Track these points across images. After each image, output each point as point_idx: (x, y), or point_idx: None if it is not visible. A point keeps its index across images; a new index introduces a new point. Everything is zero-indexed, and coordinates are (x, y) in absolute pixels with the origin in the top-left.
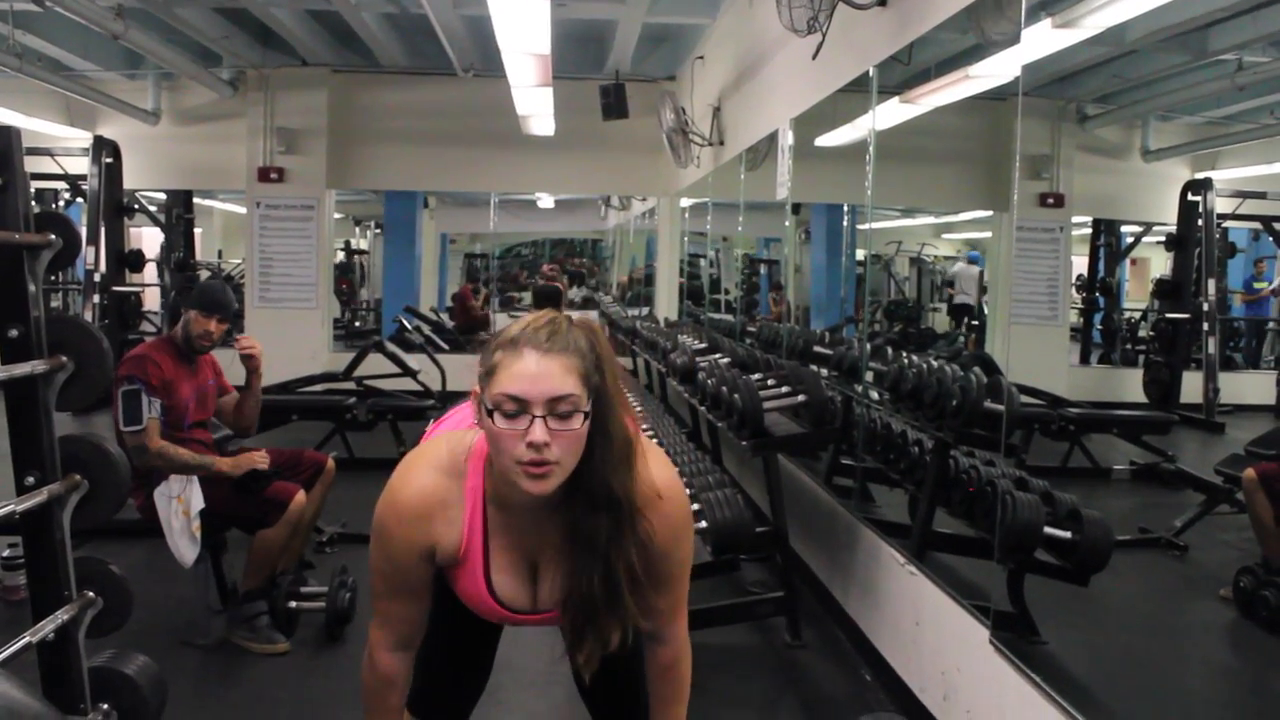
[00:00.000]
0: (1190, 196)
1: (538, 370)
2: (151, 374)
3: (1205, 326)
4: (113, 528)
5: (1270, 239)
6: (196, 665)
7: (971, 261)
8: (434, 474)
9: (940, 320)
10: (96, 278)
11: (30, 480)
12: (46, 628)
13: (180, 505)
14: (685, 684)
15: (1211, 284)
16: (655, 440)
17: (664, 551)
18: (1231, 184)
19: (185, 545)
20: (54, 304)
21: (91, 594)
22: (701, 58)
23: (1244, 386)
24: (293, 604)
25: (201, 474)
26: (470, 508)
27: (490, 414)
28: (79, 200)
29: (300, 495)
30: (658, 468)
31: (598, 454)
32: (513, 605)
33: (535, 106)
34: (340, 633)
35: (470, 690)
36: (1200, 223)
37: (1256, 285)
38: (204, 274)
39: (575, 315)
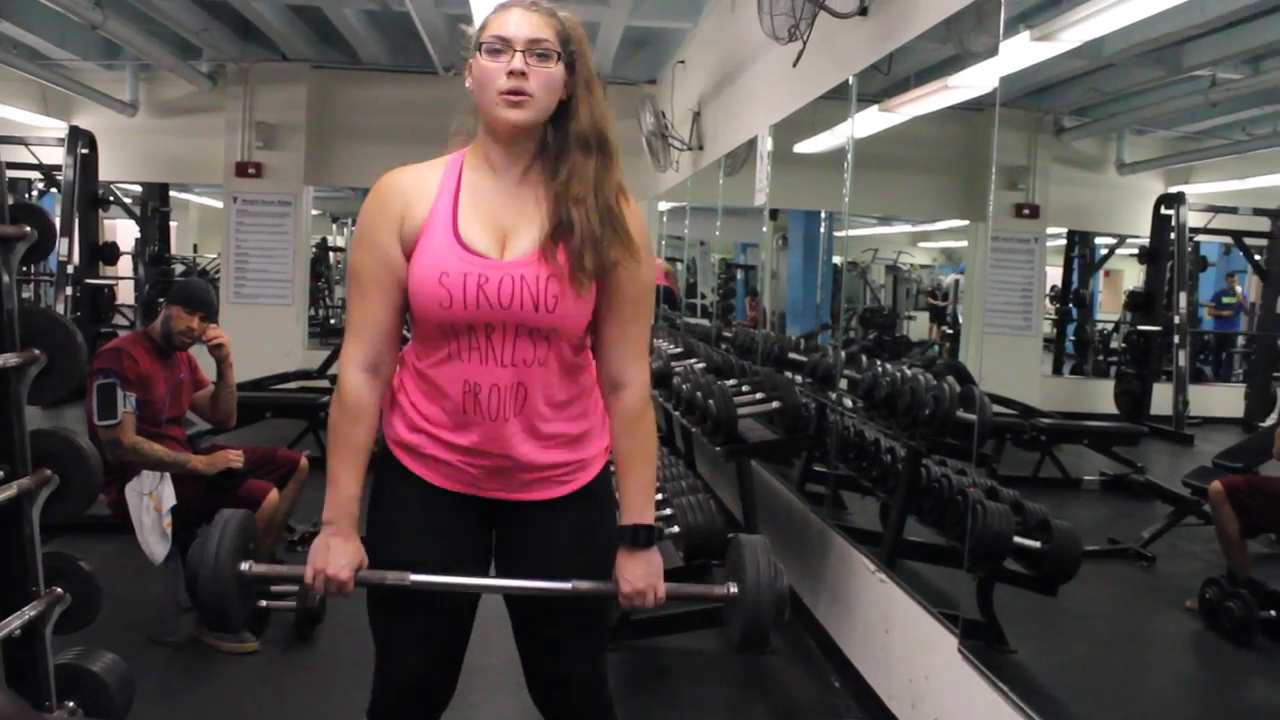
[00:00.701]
0: (1163, 210)
1: (521, 19)
2: (127, 368)
3: (1176, 339)
4: (83, 523)
5: (1240, 253)
6: (165, 663)
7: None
8: (421, 165)
9: (915, 328)
10: (70, 270)
11: None
12: (13, 624)
13: (152, 502)
14: (653, 441)
15: (1183, 297)
16: None
17: (638, 233)
18: (1204, 198)
19: (156, 542)
20: (25, 295)
21: (60, 590)
22: (683, 62)
23: (1213, 399)
24: (262, 603)
25: (176, 471)
26: (448, 172)
27: (479, 53)
28: (53, 191)
29: (273, 494)
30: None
31: (585, 106)
32: (479, 249)
33: None
34: (310, 632)
35: (438, 698)
36: (1173, 236)
37: (1226, 300)
38: (179, 268)
39: None
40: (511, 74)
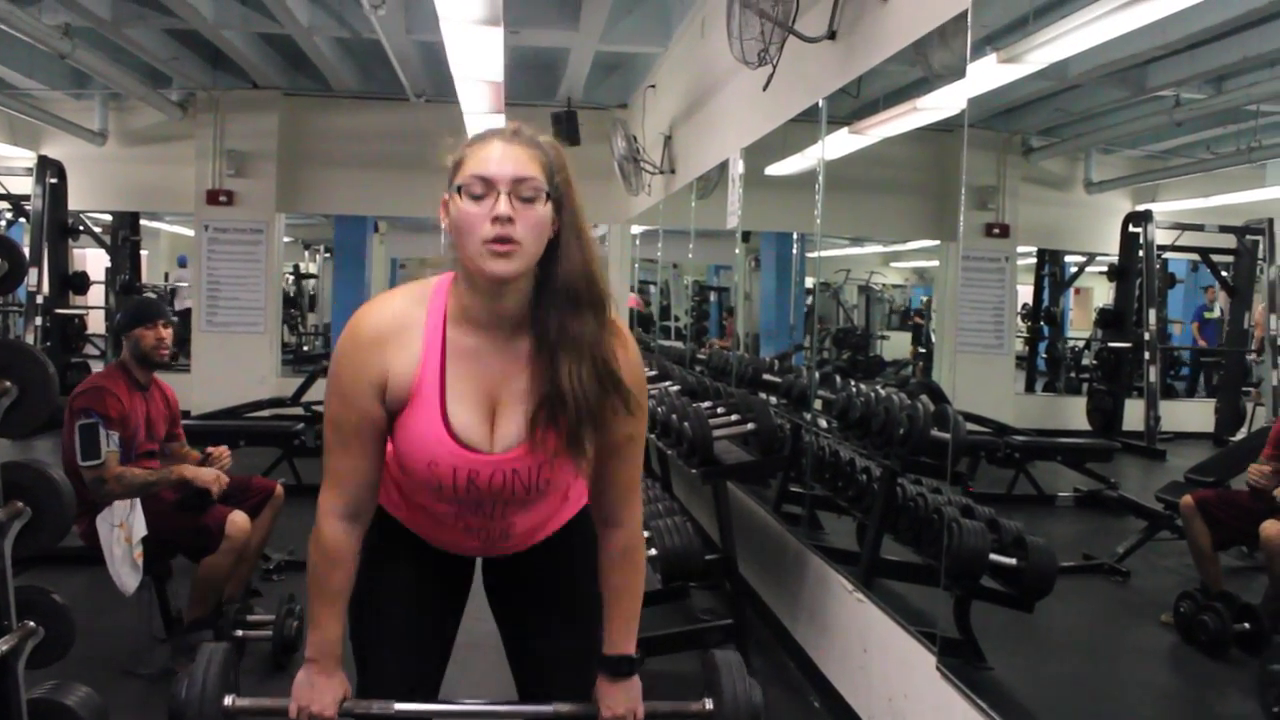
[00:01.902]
0: (1131, 228)
1: (503, 154)
2: (110, 406)
3: (1146, 355)
4: (55, 555)
5: (1208, 270)
6: (140, 696)
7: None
8: (397, 301)
9: (889, 347)
10: (39, 300)
11: None
12: None
13: (122, 532)
14: (641, 574)
15: (1153, 313)
16: None
17: (634, 386)
18: (1171, 216)
19: (126, 573)
20: None
21: (32, 624)
22: (653, 86)
23: (1184, 414)
24: (239, 633)
25: (160, 489)
26: (430, 329)
27: (458, 195)
28: (22, 221)
29: (236, 516)
30: (619, 319)
31: (574, 250)
32: (469, 441)
33: None
34: (287, 661)
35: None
36: (1141, 253)
37: (1208, 315)
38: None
39: None
40: (497, 220)
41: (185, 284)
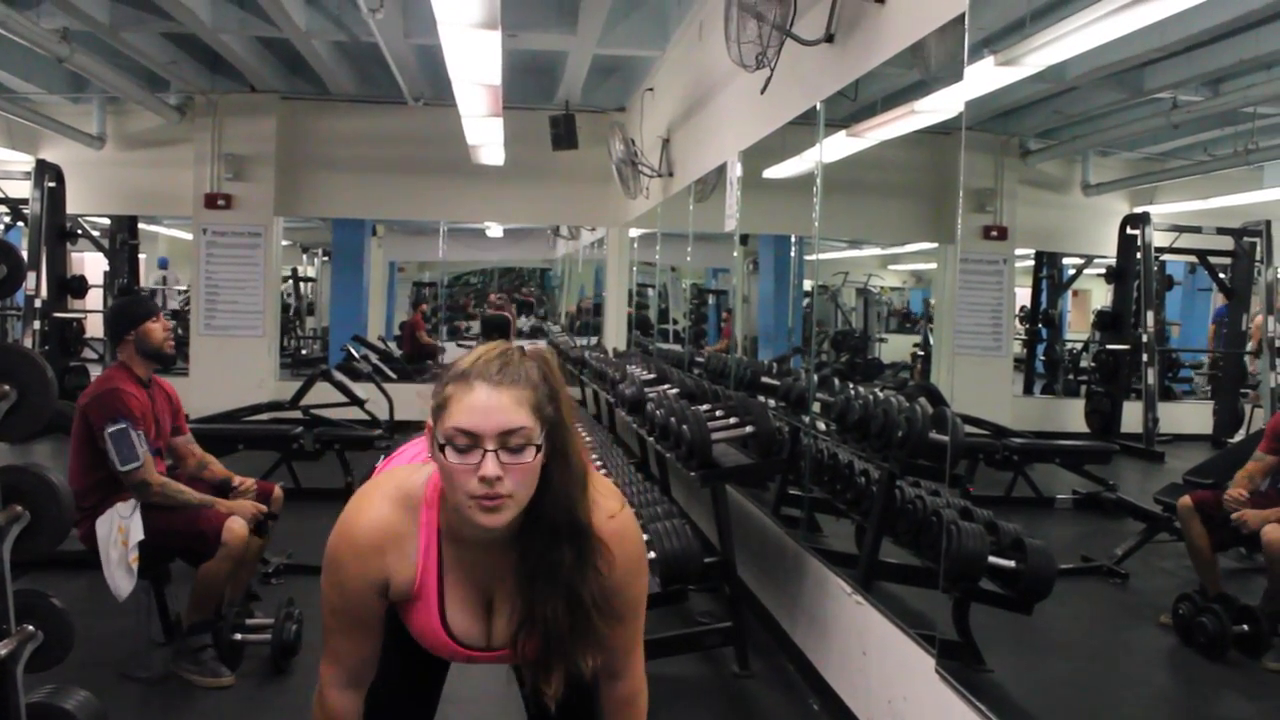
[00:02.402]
0: (1129, 230)
1: (489, 403)
2: (134, 407)
3: (1145, 357)
4: (54, 558)
5: (1206, 272)
6: (139, 699)
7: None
8: (388, 506)
9: (888, 350)
10: (37, 304)
11: None
12: None
13: (120, 536)
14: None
15: (1150, 315)
16: (604, 471)
17: (622, 584)
18: (1168, 218)
19: (121, 577)
20: None
21: (31, 628)
22: (651, 90)
23: (1182, 416)
24: (238, 636)
25: (200, 512)
26: (425, 542)
27: (443, 449)
28: (20, 225)
29: (234, 522)
30: (610, 501)
31: (557, 483)
32: (467, 642)
33: (485, 136)
34: (286, 665)
35: None
36: (1139, 256)
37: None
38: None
39: (528, 346)
40: (484, 479)
41: (179, 286)
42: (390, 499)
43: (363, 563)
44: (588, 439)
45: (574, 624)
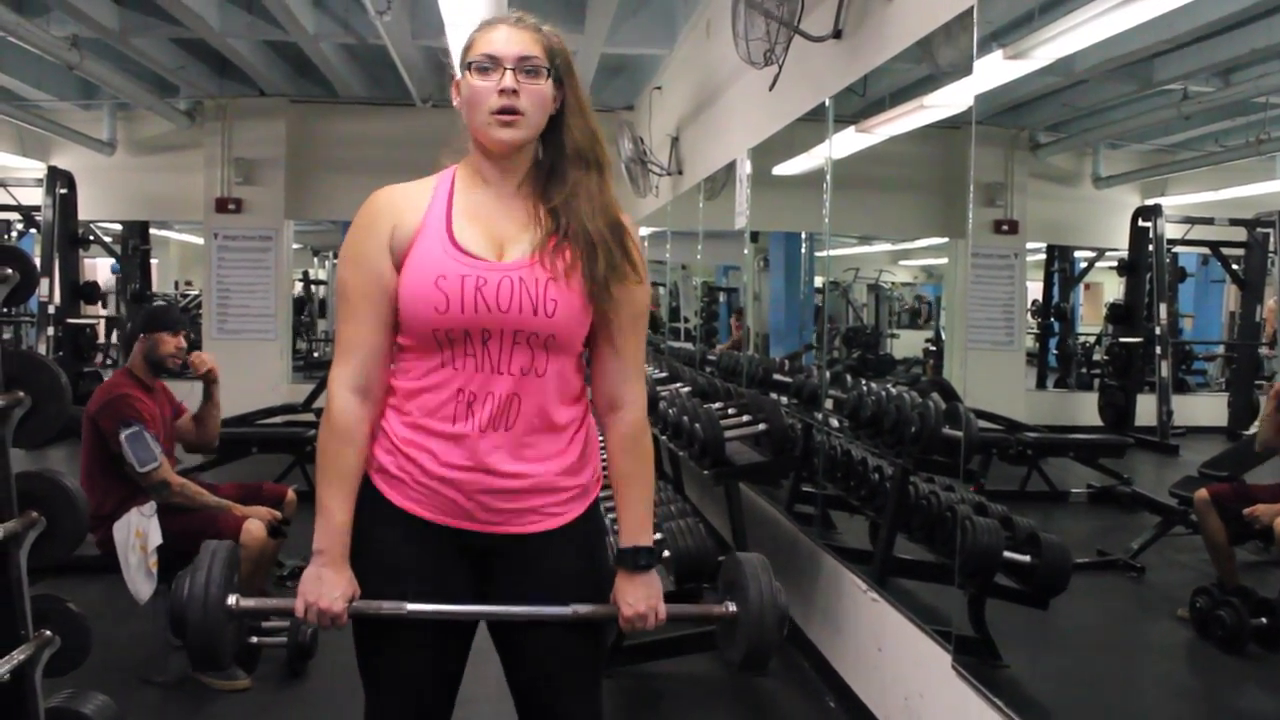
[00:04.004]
0: (1141, 223)
1: (509, 36)
2: (143, 410)
3: (1158, 350)
4: (70, 563)
5: (1219, 264)
6: (156, 703)
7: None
8: (410, 183)
9: (899, 345)
10: (50, 310)
11: None
12: (2, 668)
13: (138, 540)
14: (650, 462)
15: (1163, 308)
16: None
17: (639, 273)
18: (1180, 210)
19: (141, 581)
20: (6, 336)
21: (49, 633)
22: (660, 88)
23: (1197, 408)
24: (254, 639)
25: (212, 512)
26: (438, 185)
27: (468, 72)
28: (32, 231)
29: (251, 524)
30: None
31: (577, 120)
32: (476, 252)
33: None
34: (302, 668)
35: None
36: (1151, 248)
37: None
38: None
39: None
40: (503, 92)
41: (193, 291)
42: (416, 181)
43: (372, 219)
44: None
45: (614, 236)
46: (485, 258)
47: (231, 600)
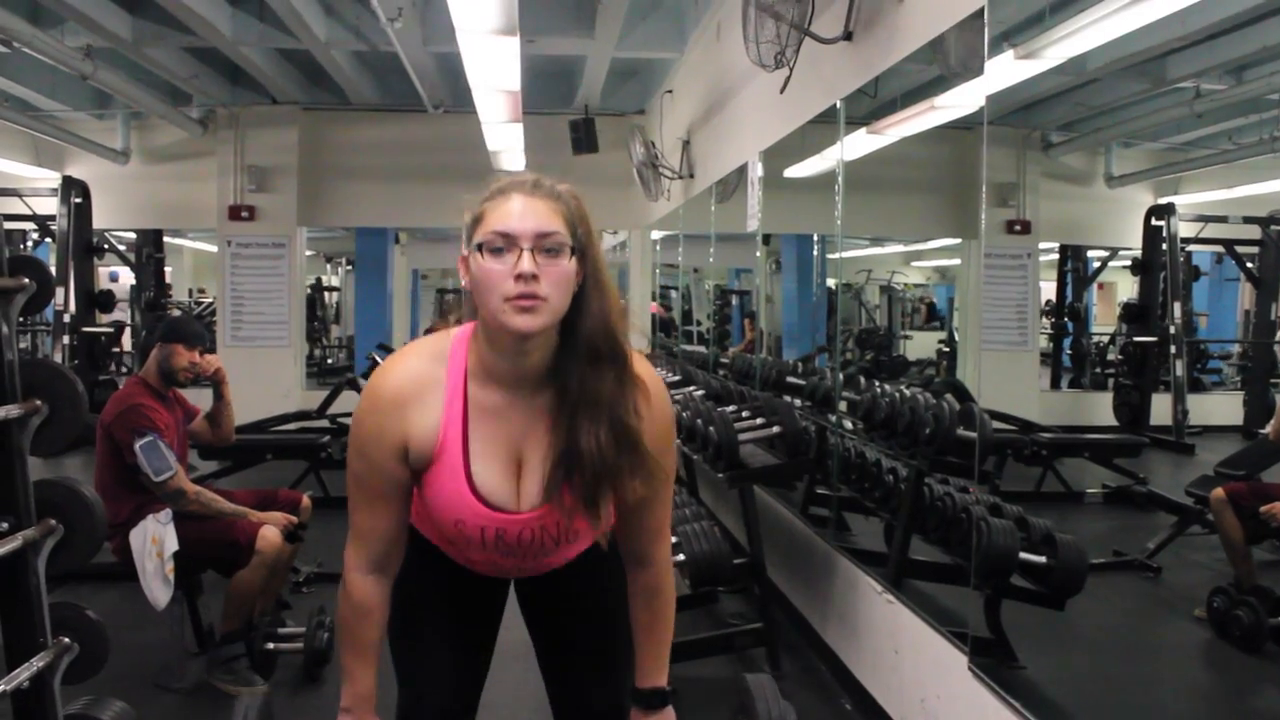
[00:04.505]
0: (1154, 221)
1: (525, 209)
2: (157, 420)
3: (1172, 349)
4: (87, 571)
5: (1233, 262)
6: (174, 709)
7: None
8: (415, 360)
9: (913, 347)
10: (66, 318)
11: (4, 526)
12: (21, 675)
13: (154, 547)
14: (671, 610)
15: (1177, 307)
16: None
17: (657, 436)
18: (1194, 208)
19: (158, 588)
20: (23, 345)
21: (67, 640)
22: (670, 92)
23: (1212, 407)
24: (270, 645)
25: (228, 519)
26: (451, 388)
27: (479, 253)
28: (48, 241)
29: (267, 530)
30: (643, 365)
31: (595, 304)
32: (494, 502)
33: (506, 142)
34: (319, 673)
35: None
36: (1164, 247)
37: None
38: (175, 312)
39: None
40: (520, 277)
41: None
42: (417, 354)
43: (383, 420)
44: None
45: (619, 450)
46: (504, 508)
47: None
